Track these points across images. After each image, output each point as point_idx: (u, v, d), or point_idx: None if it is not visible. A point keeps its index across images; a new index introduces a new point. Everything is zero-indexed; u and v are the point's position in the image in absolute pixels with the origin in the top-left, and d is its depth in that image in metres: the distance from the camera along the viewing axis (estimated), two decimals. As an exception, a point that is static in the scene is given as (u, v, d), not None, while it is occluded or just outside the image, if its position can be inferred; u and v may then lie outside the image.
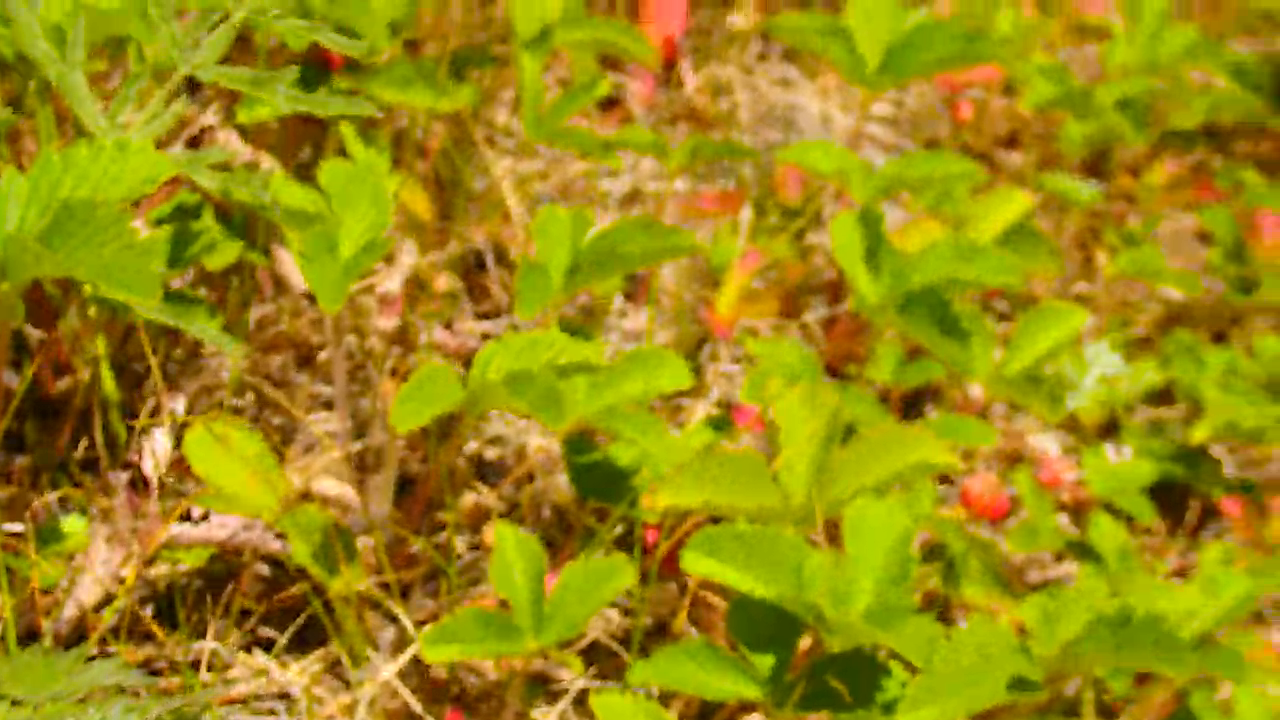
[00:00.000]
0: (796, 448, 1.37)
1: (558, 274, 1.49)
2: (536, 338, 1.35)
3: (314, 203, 1.46)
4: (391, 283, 1.62)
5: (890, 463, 1.37)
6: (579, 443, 1.51)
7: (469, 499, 1.55)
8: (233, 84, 1.28)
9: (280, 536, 1.36)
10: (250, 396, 1.66)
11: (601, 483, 1.48)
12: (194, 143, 1.62)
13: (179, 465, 1.41)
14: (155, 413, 1.42)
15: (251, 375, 1.67)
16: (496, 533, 1.27)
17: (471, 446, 1.66)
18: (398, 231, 1.77)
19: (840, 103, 2.36)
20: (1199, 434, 1.83)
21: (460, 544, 1.56)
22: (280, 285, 1.73)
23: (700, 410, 1.75)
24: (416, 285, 1.79)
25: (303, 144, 1.82)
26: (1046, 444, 1.91)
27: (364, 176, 1.50)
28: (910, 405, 1.97)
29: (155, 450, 1.36)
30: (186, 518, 1.33)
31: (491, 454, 1.67)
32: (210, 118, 1.64)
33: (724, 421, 1.60)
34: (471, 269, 1.88)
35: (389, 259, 1.67)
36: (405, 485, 1.58)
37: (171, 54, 1.28)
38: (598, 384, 1.43)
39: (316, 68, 1.74)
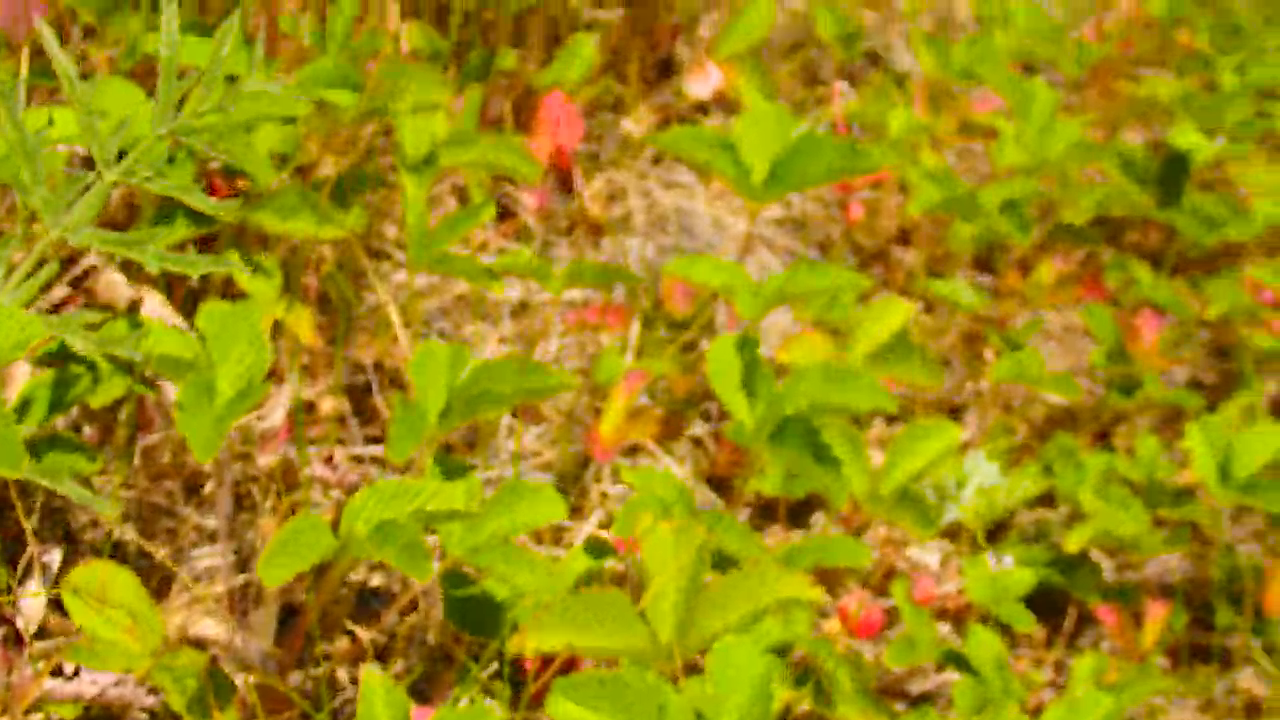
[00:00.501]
0: (664, 585, 1.42)
1: (433, 413, 1.54)
2: (407, 485, 1.40)
3: (191, 348, 1.50)
4: (273, 418, 1.66)
5: (756, 600, 1.42)
6: (456, 576, 1.55)
7: (348, 635, 1.59)
8: (104, 247, 1.33)
9: (154, 691, 1.40)
10: (136, 530, 1.70)
11: (477, 617, 1.53)
12: (77, 283, 1.67)
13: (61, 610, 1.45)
14: (30, 566, 1.46)
15: (137, 507, 1.71)
16: (364, 681, 1.32)
17: (357, 574, 1.70)
18: (286, 357, 1.82)
19: (733, 206, 2.43)
20: (1074, 543, 1.89)
21: (344, 675, 1.60)
22: (168, 415, 1.77)
23: (584, 531, 1.80)
24: (303, 409, 1.83)
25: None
26: (928, 554, 1.97)
27: (242, 316, 1.55)
28: (798, 512, 2.03)
29: (26, 605, 1.40)
30: (59, 673, 1.37)
31: (376, 580, 1.72)
32: (95, 256, 1.69)
33: (604, 547, 1.65)
34: (359, 390, 1.93)
35: (273, 392, 1.71)
36: (290, 614, 1.62)
37: (43, 217, 1.33)
38: (472, 522, 1.48)
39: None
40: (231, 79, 1.72)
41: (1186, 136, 2.62)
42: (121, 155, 1.36)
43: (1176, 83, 2.83)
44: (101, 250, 1.34)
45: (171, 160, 1.65)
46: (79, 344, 1.32)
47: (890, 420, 2.20)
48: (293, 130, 1.83)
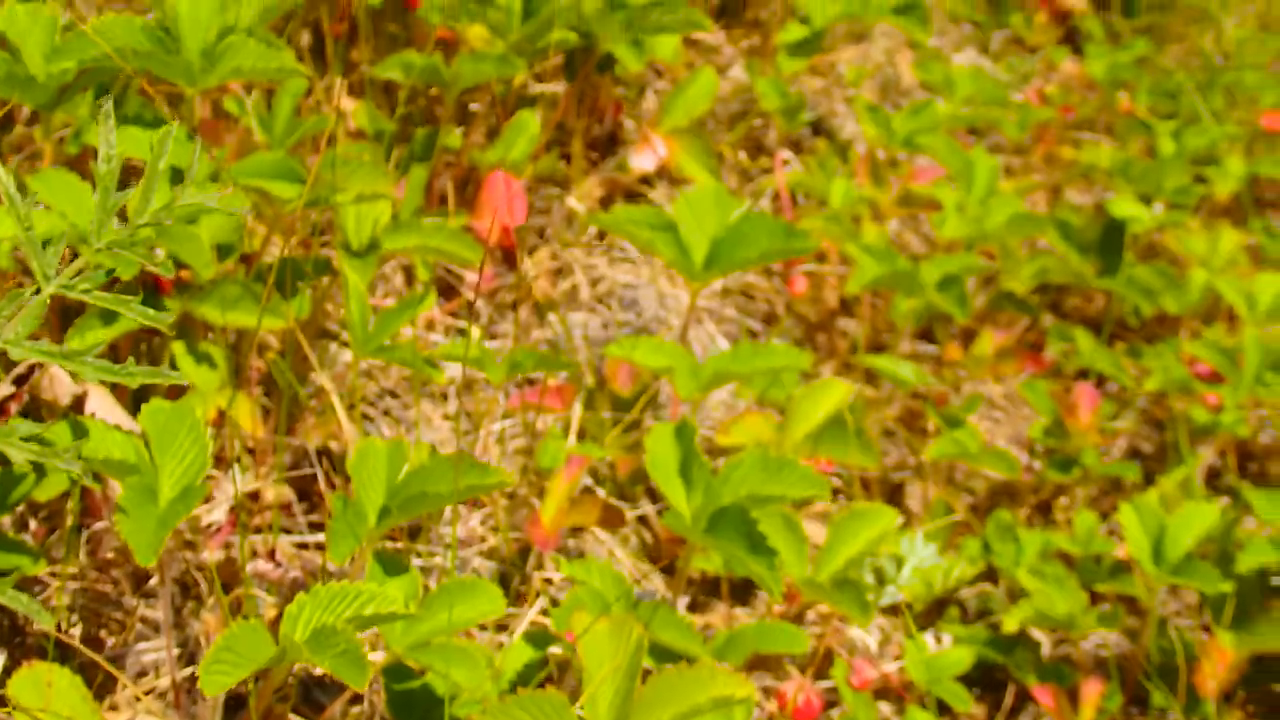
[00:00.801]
0: (601, 684, 1.45)
1: (372, 514, 1.56)
2: (345, 589, 1.43)
3: (133, 449, 1.53)
4: (216, 512, 1.69)
5: (693, 698, 1.45)
6: (398, 669, 1.58)
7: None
8: (44, 358, 1.35)
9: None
10: (82, 622, 1.72)
11: (419, 711, 1.55)
12: (21, 381, 1.69)
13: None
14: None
15: (84, 597, 1.73)
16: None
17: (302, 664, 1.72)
18: (230, 445, 1.85)
19: (678, 279, 2.46)
20: (1012, 622, 1.93)
21: (287, 767, 1.63)
22: (114, 504, 1.79)
23: (528, 617, 1.83)
24: (248, 497, 1.86)
25: (139, 359, 1.89)
26: (868, 634, 2.00)
27: (184, 415, 1.57)
28: (741, 589, 2.06)
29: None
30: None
31: (321, 670, 1.74)
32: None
33: (545, 637, 1.68)
34: (304, 476, 1.96)
35: (217, 484, 1.74)
36: (236, 706, 1.65)
37: (-17, 329, 1.35)
38: (412, 620, 1.51)
39: (149, 290, 1.82)
40: (176, 172, 1.76)
41: (1125, 206, 2.67)
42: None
43: (1116, 150, 2.88)
44: (42, 360, 1.37)
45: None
46: (18, 456, 1.35)
47: (837, 493, 2.24)
48: (235, 220, 1.86)
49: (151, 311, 1.38)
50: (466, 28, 2.39)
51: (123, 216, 1.42)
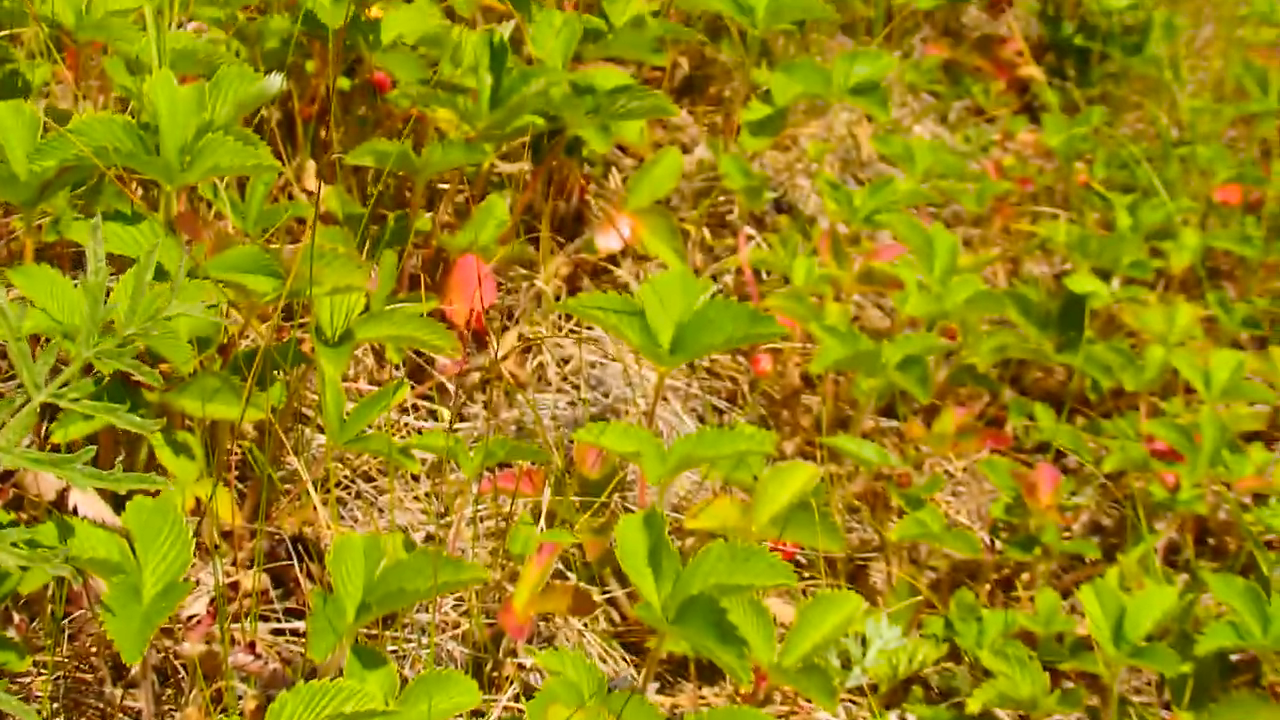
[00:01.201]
0: (575, 777, 1.50)
1: (350, 610, 1.62)
2: (326, 687, 1.48)
3: (117, 547, 1.58)
4: (196, 605, 1.73)
5: (663, 787, 1.51)
6: (375, 762, 1.63)
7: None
8: (35, 467, 1.40)
9: None
10: (64, 713, 1.76)
11: (399, 804, 1.60)
12: (6, 476, 1.74)
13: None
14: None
15: (66, 687, 1.78)
16: None
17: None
18: (209, 535, 1.90)
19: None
20: (975, 704, 1.99)
21: None
22: (97, 592, 1.84)
23: (502, 703, 1.88)
24: (226, 590, 1.90)
25: (119, 451, 1.94)
26: (835, 718, 2.06)
27: (166, 512, 1.62)
28: (710, 671, 2.11)
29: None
30: None
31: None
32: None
33: (518, 725, 1.73)
34: (282, 563, 2.00)
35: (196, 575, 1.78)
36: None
37: (-26, 437, 1.40)
38: (392, 716, 1.56)
39: (130, 385, 1.87)
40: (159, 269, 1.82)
41: (1083, 282, 2.74)
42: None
43: (1073, 225, 2.96)
44: (32, 469, 1.42)
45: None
46: (10, 561, 1.39)
47: (799, 566, 2.29)
48: (214, 313, 1.91)
49: (138, 419, 1.44)
50: (435, 111, 2.46)
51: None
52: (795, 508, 2.08)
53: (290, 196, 2.54)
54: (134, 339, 1.45)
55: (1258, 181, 3.08)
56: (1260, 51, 3.84)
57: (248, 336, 2.08)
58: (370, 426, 1.96)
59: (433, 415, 2.33)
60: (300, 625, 1.93)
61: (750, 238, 2.85)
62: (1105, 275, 2.89)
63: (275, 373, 2.00)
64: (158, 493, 1.76)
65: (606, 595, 2.14)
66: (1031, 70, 3.80)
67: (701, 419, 2.53)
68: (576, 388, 2.47)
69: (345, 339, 2.01)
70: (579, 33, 2.61)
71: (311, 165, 2.59)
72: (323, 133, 2.63)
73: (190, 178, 1.92)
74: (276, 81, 2.07)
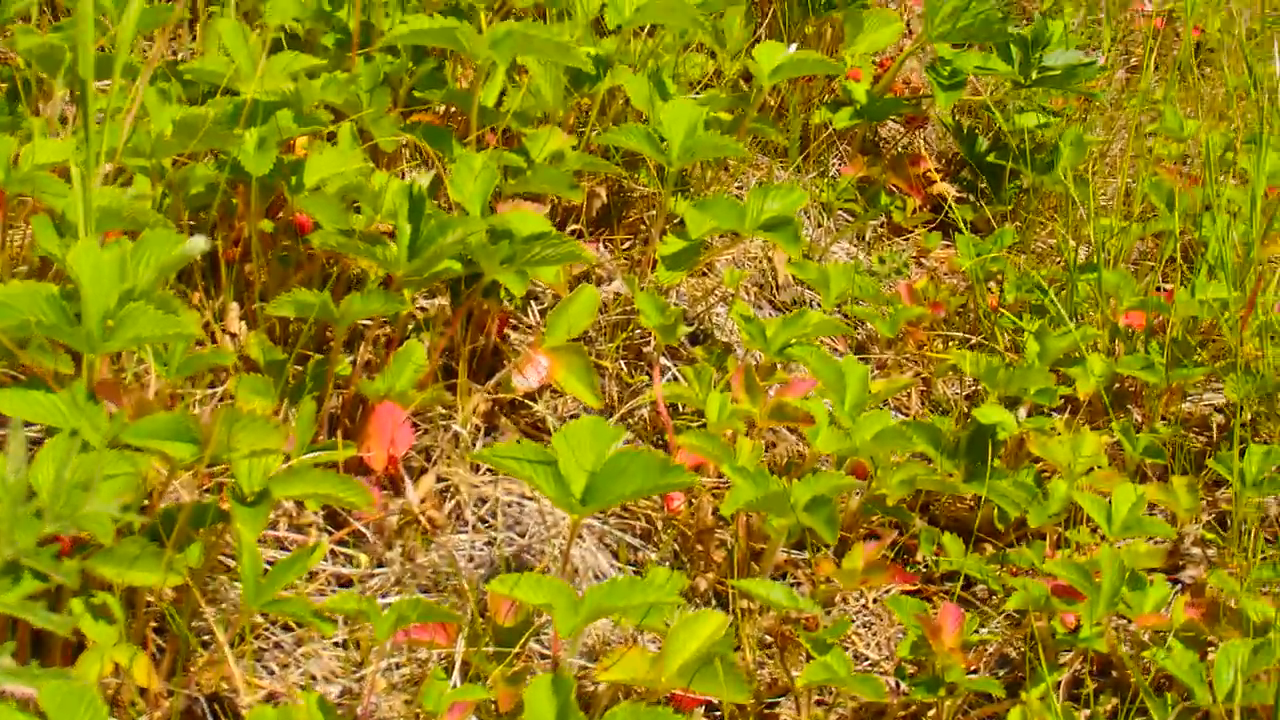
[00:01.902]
0: None
1: (265, 786, 1.68)
2: None
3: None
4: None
5: None
6: None
7: None
8: (-46, 664, 1.46)
9: None
10: None
11: None
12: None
13: None
14: None
15: None
16: None
17: None
18: (126, 697, 1.95)
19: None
20: None
21: None
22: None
23: None
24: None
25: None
26: None
27: (82, 693, 1.68)
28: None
29: None
30: None
31: None
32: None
33: None
34: (198, 720, 2.07)
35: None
36: None
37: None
38: None
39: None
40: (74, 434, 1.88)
41: (991, 413, 2.84)
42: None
43: (982, 355, 3.05)
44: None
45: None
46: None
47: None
48: (134, 478, 1.97)
49: (56, 618, 1.50)
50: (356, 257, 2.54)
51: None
52: (703, 658, 2.15)
53: (214, 336, 2.61)
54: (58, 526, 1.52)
55: (1160, 308, 3.18)
56: (1169, 167, 3.97)
57: (168, 495, 2.14)
58: (287, 587, 2.02)
59: (350, 561, 2.40)
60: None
61: (666, 370, 2.93)
62: (1014, 402, 2.99)
63: (195, 531, 2.06)
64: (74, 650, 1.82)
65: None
66: (945, 187, 3.92)
67: (616, 555, 2.60)
68: (494, 528, 2.53)
69: (262, 498, 2.07)
70: (496, 176, 2.69)
71: (235, 307, 2.66)
72: (247, 269, 2.70)
73: (112, 346, 1.99)
74: (199, 244, 2.14)
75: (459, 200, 2.66)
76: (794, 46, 3.30)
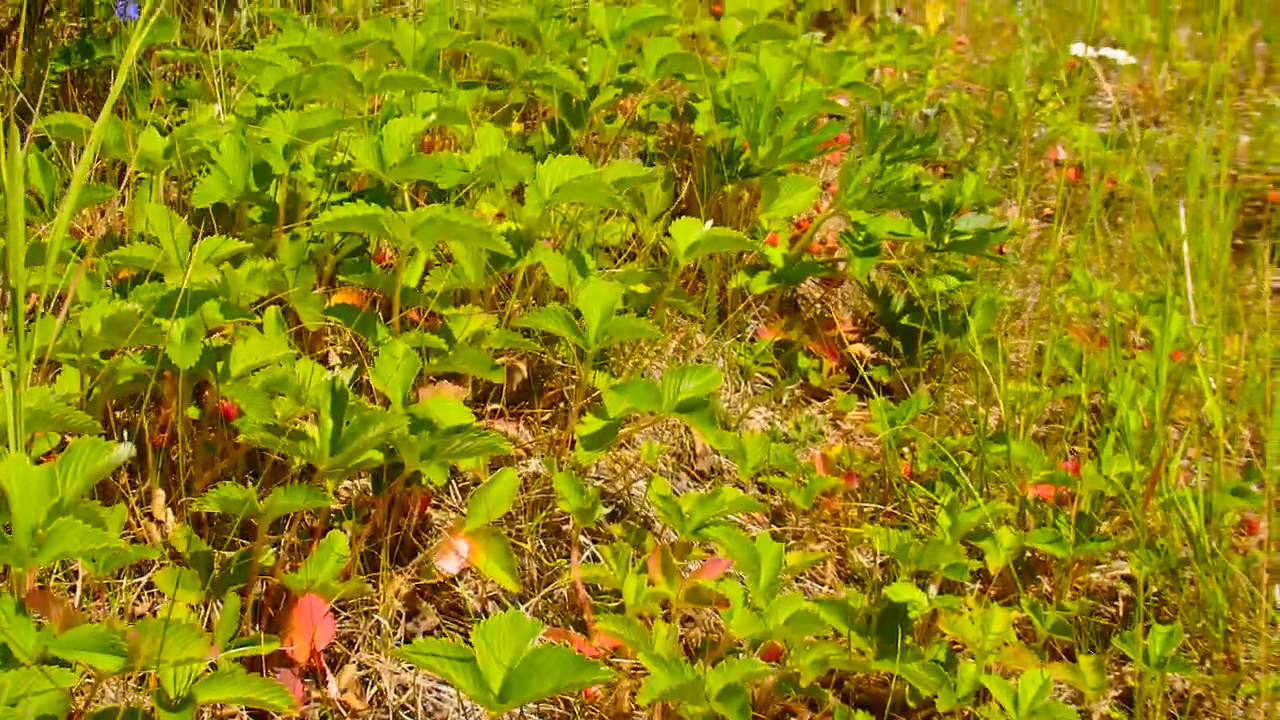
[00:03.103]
0: None
1: None
2: None
3: None
4: None
5: None
6: None
7: None
8: None
9: None
10: None
11: None
12: None
13: None
14: None
15: None
16: None
17: None
18: None
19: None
20: None
21: None
22: None
23: None
24: None
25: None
26: None
27: None
28: None
29: None
30: None
31: None
32: None
33: None
34: None
35: None
36: None
37: None
38: None
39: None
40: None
41: (902, 591, 2.94)
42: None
43: (894, 531, 3.15)
44: None
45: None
46: None
47: None
48: (63, 695, 2.05)
49: None
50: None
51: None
52: None
53: (143, 519, 2.69)
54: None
55: (1067, 482, 3.31)
56: (1079, 328, 4.12)
57: (98, 701, 2.22)
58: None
59: (273, 754, 2.47)
60: None
61: (584, 547, 3.02)
62: (925, 578, 3.09)
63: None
64: None
65: None
66: (860, 349, 4.04)
67: (536, 742, 2.68)
68: (414, 715, 2.61)
69: (187, 704, 2.15)
70: (419, 363, 2.79)
71: (161, 494, 2.74)
72: (174, 452, 2.78)
73: (40, 561, 2.06)
74: (126, 450, 2.23)
75: (381, 389, 2.76)
76: (710, 223, 3.42)
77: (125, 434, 2.80)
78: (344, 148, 3.29)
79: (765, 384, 3.87)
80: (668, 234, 3.42)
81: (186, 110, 4.05)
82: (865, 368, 3.96)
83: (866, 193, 3.85)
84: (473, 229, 2.95)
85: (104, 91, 4.20)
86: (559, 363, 3.39)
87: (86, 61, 4.07)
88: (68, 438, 2.53)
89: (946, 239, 3.97)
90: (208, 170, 3.19)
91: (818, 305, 4.24)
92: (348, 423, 2.55)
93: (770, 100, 4.00)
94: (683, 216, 3.47)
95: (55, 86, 4.08)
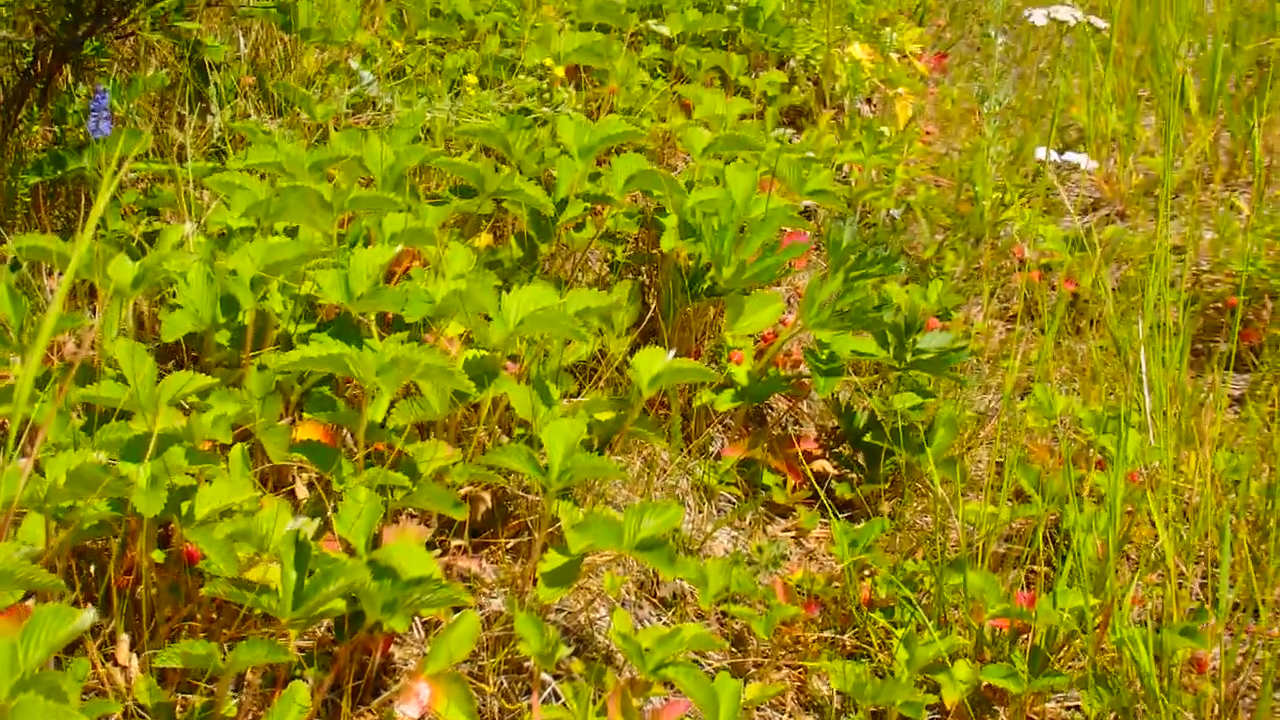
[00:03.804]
0: None
1: None
2: None
3: None
4: None
5: None
6: None
7: None
8: None
9: None
10: None
11: None
12: None
13: None
14: None
15: None
16: None
17: None
18: None
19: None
20: None
21: None
22: None
23: None
24: None
25: None
26: None
27: None
28: None
29: None
30: None
31: None
32: None
33: None
34: None
35: None
36: None
37: None
38: None
39: None
40: None
41: (859, 733, 2.99)
42: None
43: (850, 665, 3.20)
44: None
45: None
46: None
47: None
48: None
49: None
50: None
51: None
52: None
53: (103, 664, 2.72)
54: None
55: (1023, 616, 3.35)
56: (1039, 448, 4.17)
57: None
58: None
59: None
60: None
61: (546, 684, 3.06)
62: (882, 714, 3.14)
63: None
64: None
65: None
66: (824, 465, 4.09)
67: None
68: None
69: None
70: (381, 510, 2.84)
71: (125, 638, 2.78)
72: (138, 591, 2.82)
73: (4, 733, 2.10)
74: (89, 618, 2.27)
75: (344, 535, 2.80)
76: (673, 353, 3.47)
77: (90, 574, 2.84)
78: (311, 276, 3.34)
79: (730, 502, 3.92)
80: (630, 364, 3.47)
81: (158, 219, 4.10)
82: (828, 486, 4.01)
83: (830, 314, 3.91)
84: (436, 369, 3.00)
85: (76, 204, 4.25)
86: (522, 494, 3.44)
87: (59, 172, 4.11)
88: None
89: (909, 357, 4.02)
90: (175, 294, 3.24)
91: (783, 418, 4.29)
92: (311, 573, 2.59)
93: (735, 220, 4.05)
94: (648, 344, 3.53)
95: (27, 200, 4.12)
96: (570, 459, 3.10)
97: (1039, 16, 5.56)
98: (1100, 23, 5.76)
